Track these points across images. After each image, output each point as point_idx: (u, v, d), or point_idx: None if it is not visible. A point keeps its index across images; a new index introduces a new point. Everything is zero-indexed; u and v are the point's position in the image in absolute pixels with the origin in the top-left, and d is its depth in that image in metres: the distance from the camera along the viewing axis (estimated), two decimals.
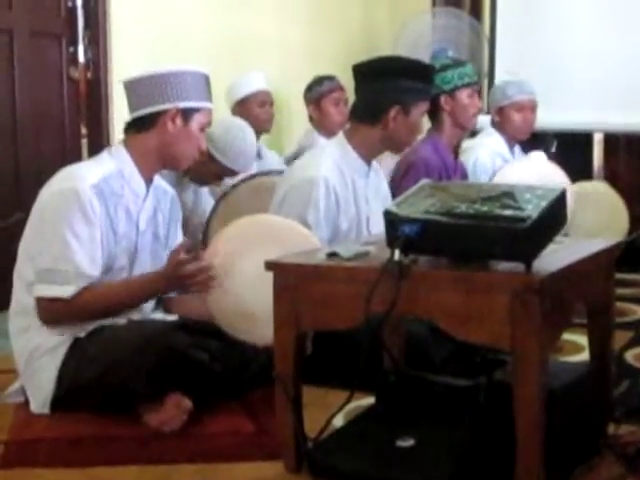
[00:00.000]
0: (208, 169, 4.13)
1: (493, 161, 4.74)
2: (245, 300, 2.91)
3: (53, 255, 2.92)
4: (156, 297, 3.17)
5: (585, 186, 4.90)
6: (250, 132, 4.31)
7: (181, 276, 2.94)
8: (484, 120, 4.99)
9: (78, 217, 2.93)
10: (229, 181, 4.36)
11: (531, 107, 4.87)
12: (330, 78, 5.54)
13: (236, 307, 2.92)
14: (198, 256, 2.94)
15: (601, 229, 4.59)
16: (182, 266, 2.93)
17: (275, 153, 5.56)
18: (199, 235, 4.16)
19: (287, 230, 3.05)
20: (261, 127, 5.31)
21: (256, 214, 3.21)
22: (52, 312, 2.97)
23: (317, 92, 5.52)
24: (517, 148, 5.00)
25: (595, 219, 4.66)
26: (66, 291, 2.92)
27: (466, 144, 4.95)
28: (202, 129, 3.13)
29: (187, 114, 3.07)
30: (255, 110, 5.36)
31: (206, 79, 3.13)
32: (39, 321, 3.00)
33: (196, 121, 3.09)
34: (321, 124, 5.49)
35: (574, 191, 4.48)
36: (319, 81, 5.52)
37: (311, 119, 5.60)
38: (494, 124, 4.91)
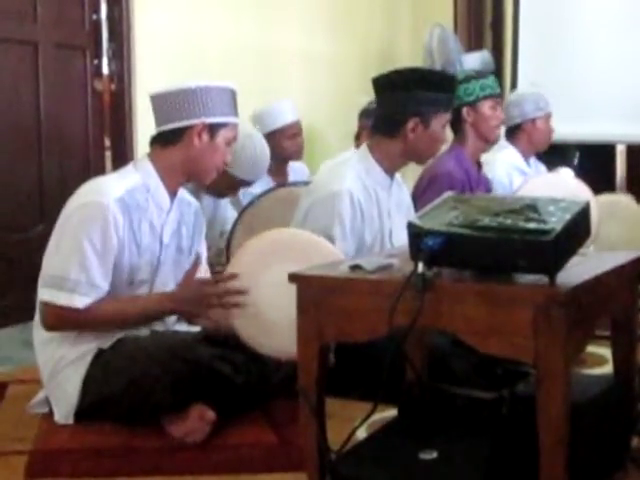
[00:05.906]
0: (221, 181, 3.87)
1: (510, 176, 4.71)
2: (268, 313, 2.91)
3: (69, 263, 2.94)
4: (162, 318, 3.17)
5: (613, 199, 4.88)
6: (260, 138, 4.20)
7: (204, 297, 2.98)
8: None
9: (99, 231, 2.94)
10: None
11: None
12: None
13: (258, 320, 2.93)
14: (221, 279, 2.97)
15: (629, 242, 4.56)
16: (207, 287, 2.98)
17: (302, 163, 5.50)
18: (220, 243, 4.14)
19: (309, 244, 3.04)
20: (291, 157, 5.25)
21: (279, 227, 3.21)
22: (59, 319, 2.98)
23: None
24: (532, 159, 4.98)
25: (623, 232, 4.63)
26: (81, 301, 2.93)
27: (483, 158, 4.95)
28: (228, 144, 3.14)
29: (213, 129, 3.08)
30: (285, 143, 5.19)
31: (233, 94, 3.13)
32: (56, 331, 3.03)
33: (222, 136, 3.10)
34: None
35: (601, 202, 4.46)
36: None
37: (357, 139, 5.44)
38: (509, 137, 4.91)
